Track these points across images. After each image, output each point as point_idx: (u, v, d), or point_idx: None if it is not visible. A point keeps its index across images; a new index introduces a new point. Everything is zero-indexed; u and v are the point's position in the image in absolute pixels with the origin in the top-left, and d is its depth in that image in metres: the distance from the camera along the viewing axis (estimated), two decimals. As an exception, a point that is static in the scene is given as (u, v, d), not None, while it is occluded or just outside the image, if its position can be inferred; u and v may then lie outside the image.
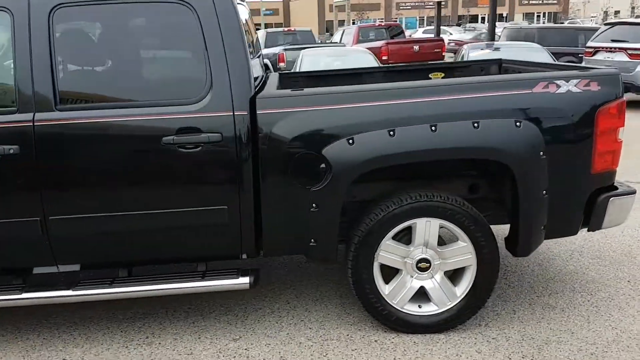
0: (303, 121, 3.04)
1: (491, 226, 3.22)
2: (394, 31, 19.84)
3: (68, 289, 3.15)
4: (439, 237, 3.22)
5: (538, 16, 68.60)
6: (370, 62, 10.02)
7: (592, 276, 4.00)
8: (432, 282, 3.29)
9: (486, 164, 3.29)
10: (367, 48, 16.64)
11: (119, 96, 3.05)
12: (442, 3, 21.64)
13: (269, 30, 18.05)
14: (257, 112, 3.02)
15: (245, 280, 3.19)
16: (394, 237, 3.22)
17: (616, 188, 3.30)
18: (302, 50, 10.39)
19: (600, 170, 3.17)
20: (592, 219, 3.25)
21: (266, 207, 3.11)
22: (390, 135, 3.00)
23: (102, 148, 3.00)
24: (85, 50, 3.08)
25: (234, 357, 3.16)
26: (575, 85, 3.10)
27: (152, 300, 3.72)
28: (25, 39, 2.94)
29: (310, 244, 3.16)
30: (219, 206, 3.07)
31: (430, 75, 4.82)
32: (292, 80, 4.74)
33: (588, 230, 3.33)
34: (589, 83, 3.11)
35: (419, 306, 3.32)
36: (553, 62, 8.97)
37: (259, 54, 4.27)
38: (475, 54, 10.47)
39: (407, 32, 29.04)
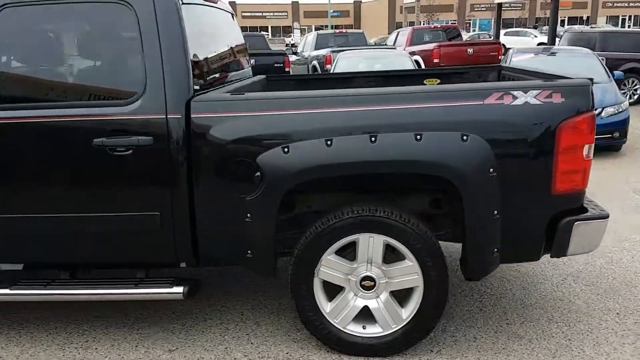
0: (239, 127, 2.91)
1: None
2: (452, 34, 19.31)
3: (6, 287, 3.15)
4: (394, 254, 3.00)
5: (623, 20, 65.25)
6: (406, 64, 9.77)
7: (578, 305, 3.66)
8: (377, 302, 3.08)
9: (437, 179, 3.05)
10: (419, 51, 16.35)
11: (52, 96, 3.01)
12: (519, 5, 20.88)
13: (320, 32, 17.92)
14: (192, 115, 2.92)
15: (178, 290, 3.09)
16: (338, 253, 3.03)
17: (585, 210, 2.98)
18: (339, 53, 10.24)
19: (564, 191, 2.86)
20: (555, 244, 2.95)
21: (201, 215, 3.01)
22: (327, 144, 2.83)
23: (34, 148, 2.97)
24: (19, 49, 3.06)
25: (164, 368, 3.07)
26: (534, 97, 2.81)
27: (114, 304, 3.69)
28: None
29: (247, 255, 3.02)
30: (151, 212, 2.99)
31: (425, 82, 4.59)
32: (280, 84, 4.62)
33: (551, 257, 3.03)
34: (551, 94, 2.82)
35: (364, 327, 3.12)
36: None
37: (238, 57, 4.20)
38: (517, 59, 9.97)
39: (482, 34, 28.13)
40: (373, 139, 2.81)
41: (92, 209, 3.00)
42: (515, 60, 9.92)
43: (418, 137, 2.79)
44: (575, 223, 2.89)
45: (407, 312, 3.07)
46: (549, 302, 3.71)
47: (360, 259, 3.02)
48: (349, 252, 3.05)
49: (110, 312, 3.64)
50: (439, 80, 4.57)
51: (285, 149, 2.85)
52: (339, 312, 3.09)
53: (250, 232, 2.96)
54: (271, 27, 62.95)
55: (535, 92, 2.82)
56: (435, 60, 15.76)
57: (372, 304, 3.08)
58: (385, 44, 20.08)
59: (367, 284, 3.06)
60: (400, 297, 3.10)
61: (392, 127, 2.83)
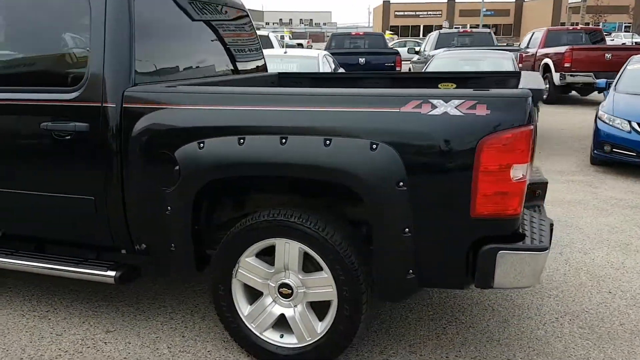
0: (163, 119, 2.94)
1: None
2: (596, 37, 17.72)
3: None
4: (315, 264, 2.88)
5: None
6: (505, 66, 9.18)
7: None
8: (294, 312, 2.96)
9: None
10: (552, 53, 15.26)
11: (7, 80, 3.25)
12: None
13: (442, 31, 17.37)
14: (123, 105, 2.99)
15: (111, 274, 3.19)
16: (260, 256, 2.96)
17: (521, 239, 2.62)
18: (436, 54, 9.88)
19: (486, 214, 2.54)
20: (477, 273, 2.62)
21: (130, 204, 3.08)
22: (239, 143, 2.76)
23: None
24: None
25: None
26: (455, 107, 2.52)
27: (99, 284, 3.85)
28: None
29: (171, 248, 3.05)
30: (87, 196, 3.12)
31: (439, 86, 4.30)
32: (292, 80, 4.58)
33: (476, 287, 2.70)
34: (475, 105, 2.51)
35: (281, 336, 3.02)
36: None
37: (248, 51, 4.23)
38: (634, 66, 8.93)
39: None
40: (284, 140, 2.69)
41: (39, 188, 3.20)
42: (630, 68, 8.94)
43: (327, 142, 2.63)
44: (500, 252, 2.55)
45: (322, 327, 2.91)
46: (509, 336, 3.32)
47: (277, 265, 2.92)
48: (272, 257, 2.96)
49: (87, 289, 3.85)
50: (454, 85, 4.26)
51: (201, 144, 2.83)
52: (256, 317, 3.02)
53: (172, 225, 2.98)
54: (423, 26, 62.00)
55: (457, 101, 2.53)
56: (567, 65, 14.59)
57: (289, 313, 2.97)
58: (518, 45, 18.96)
59: (285, 292, 2.95)
60: (321, 310, 2.95)
61: (304, 129, 2.69)
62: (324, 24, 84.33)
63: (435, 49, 15.44)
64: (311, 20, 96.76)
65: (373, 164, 2.57)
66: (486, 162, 2.48)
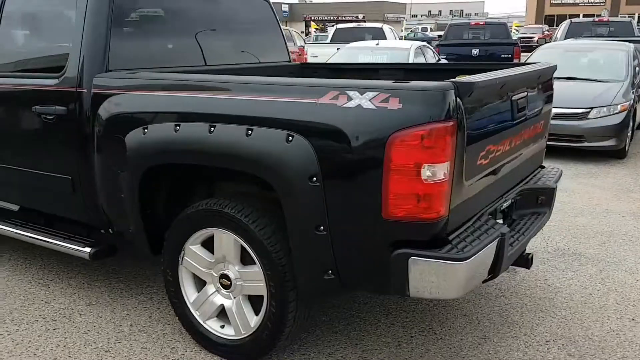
0: (119, 104, 3.04)
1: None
2: None
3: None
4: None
5: None
6: (619, 60, 8.29)
7: None
8: (231, 303, 2.93)
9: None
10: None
11: (8, 67, 3.55)
12: None
13: (575, 20, 15.95)
14: (92, 91, 3.13)
15: (86, 250, 3.36)
16: (205, 245, 2.97)
17: (442, 245, 2.36)
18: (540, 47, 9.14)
19: (399, 216, 2.32)
20: (392, 279, 2.41)
21: (100, 187, 3.21)
22: (175, 130, 2.78)
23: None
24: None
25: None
26: (369, 100, 2.33)
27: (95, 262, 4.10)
28: None
29: (130, 230, 3.16)
30: (65, 176, 3.31)
31: (458, 77, 3.98)
32: (313, 70, 4.51)
33: (393, 294, 2.49)
34: (388, 99, 2.30)
35: (222, 326, 3.00)
36: None
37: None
38: None
39: None
40: (212, 129, 2.67)
41: (29, 165, 3.47)
42: None
43: (249, 132, 2.56)
44: (412, 258, 2.32)
45: (255, 322, 2.85)
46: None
47: (216, 255, 2.91)
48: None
49: (94, 264, 4.10)
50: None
51: (145, 130, 2.88)
52: (200, 305, 3.03)
53: (126, 208, 3.08)
54: (582, 14, 57.52)
55: (371, 94, 2.33)
56: None
57: (227, 304, 2.95)
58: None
59: (224, 283, 2.93)
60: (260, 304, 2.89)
61: (231, 118, 2.64)
62: (476, 14, 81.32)
63: (566, 39, 14.29)
64: (461, 11, 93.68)
65: (286, 157, 2.46)
66: (397, 161, 2.27)
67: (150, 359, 3.00)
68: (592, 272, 4.07)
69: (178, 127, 2.77)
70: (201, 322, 3.04)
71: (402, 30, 28.36)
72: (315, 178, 2.41)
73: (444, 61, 11.65)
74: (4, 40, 3.64)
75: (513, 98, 2.85)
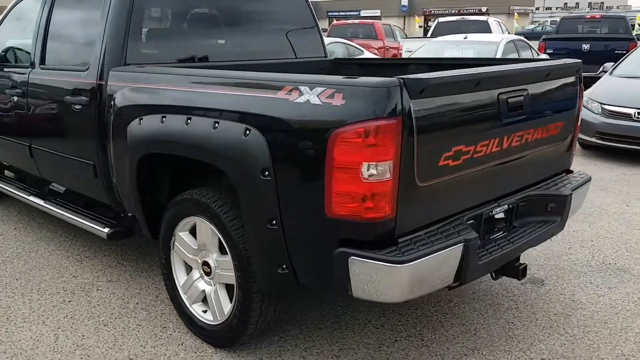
0: (125, 96, 3.22)
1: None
2: None
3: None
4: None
5: None
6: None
7: None
8: (211, 290, 3.02)
9: None
10: None
11: (48, 61, 3.89)
12: None
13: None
14: (108, 83, 3.35)
15: (104, 230, 3.60)
16: (192, 232, 3.08)
17: (389, 246, 2.28)
18: None
19: (342, 215, 2.27)
20: (335, 278, 2.37)
21: (114, 172, 3.42)
22: (161, 121, 2.91)
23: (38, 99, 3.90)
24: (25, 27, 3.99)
25: None
26: (317, 95, 2.30)
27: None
28: None
29: (130, 214, 3.35)
30: (88, 161, 3.56)
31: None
32: (345, 67, 4.48)
33: (337, 294, 2.45)
34: (333, 94, 2.26)
35: (204, 311, 3.11)
36: None
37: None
38: None
39: None
40: (189, 121, 2.76)
41: (64, 150, 3.79)
42: None
43: (216, 124, 2.63)
44: (350, 258, 2.27)
45: (228, 310, 2.92)
46: None
47: (199, 242, 3.01)
48: (203, 234, 3.06)
49: (128, 244, 4.37)
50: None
51: (140, 120, 3.04)
52: (187, 289, 3.15)
53: (128, 191, 3.27)
54: None
55: (319, 89, 2.30)
56: None
57: (208, 290, 3.04)
58: None
59: (206, 270, 3.02)
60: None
61: (204, 111, 2.72)
62: (617, 7, 75.24)
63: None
64: (602, 3, 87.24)
65: (242, 151, 2.49)
66: (339, 158, 2.23)
67: (141, 335, 3.17)
68: (629, 290, 3.72)
69: (164, 119, 2.89)
70: (188, 305, 3.16)
71: (515, 24, 26.95)
72: (267, 172, 2.42)
73: (543, 56, 10.97)
74: (53, 42, 3.99)
75: (501, 96, 2.66)
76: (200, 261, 3.05)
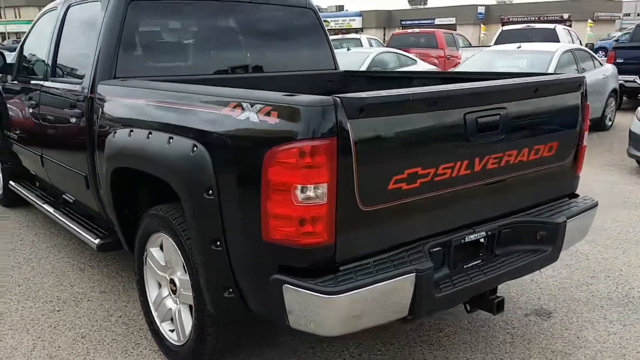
0: (107, 109, 3.23)
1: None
2: None
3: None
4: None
5: None
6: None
7: None
8: (176, 309, 2.95)
9: None
10: None
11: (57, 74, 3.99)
12: None
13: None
14: (96, 96, 3.36)
15: (95, 241, 3.62)
16: (162, 248, 3.02)
17: (328, 274, 2.13)
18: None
19: (278, 239, 2.14)
20: (271, 307, 2.24)
21: (101, 184, 3.43)
22: (129, 135, 2.89)
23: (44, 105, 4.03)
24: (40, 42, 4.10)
25: None
26: (256, 113, 2.19)
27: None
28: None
29: (114, 227, 3.35)
30: (81, 172, 3.60)
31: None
32: (353, 79, 4.34)
33: (275, 324, 2.30)
34: (269, 112, 2.14)
35: (171, 330, 3.04)
36: None
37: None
38: None
39: None
40: (150, 135, 2.72)
41: (64, 161, 3.86)
42: None
43: (170, 140, 2.56)
44: (284, 285, 2.14)
45: (189, 331, 2.84)
46: None
47: (165, 259, 2.95)
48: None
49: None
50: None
51: (115, 133, 3.03)
52: (157, 306, 3.09)
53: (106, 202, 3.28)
54: None
55: (259, 106, 2.19)
56: None
57: (173, 309, 2.98)
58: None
59: (172, 288, 2.96)
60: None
61: (160, 126, 2.68)
62: None
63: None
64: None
65: (188, 168, 2.42)
66: (273, 179, 2.11)
67: (113, 351, 3.15)
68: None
69: (132, 133, 2.86)
70: (158, 323, 3.10)
71: (588, 31, 25.63)
72: (211, 191, 2.33)
73: (607, 66, 10.31)
74: (60, 56, 4.08)
75: (469, 116, 2.45)
76: (168, 278, 2.99)
